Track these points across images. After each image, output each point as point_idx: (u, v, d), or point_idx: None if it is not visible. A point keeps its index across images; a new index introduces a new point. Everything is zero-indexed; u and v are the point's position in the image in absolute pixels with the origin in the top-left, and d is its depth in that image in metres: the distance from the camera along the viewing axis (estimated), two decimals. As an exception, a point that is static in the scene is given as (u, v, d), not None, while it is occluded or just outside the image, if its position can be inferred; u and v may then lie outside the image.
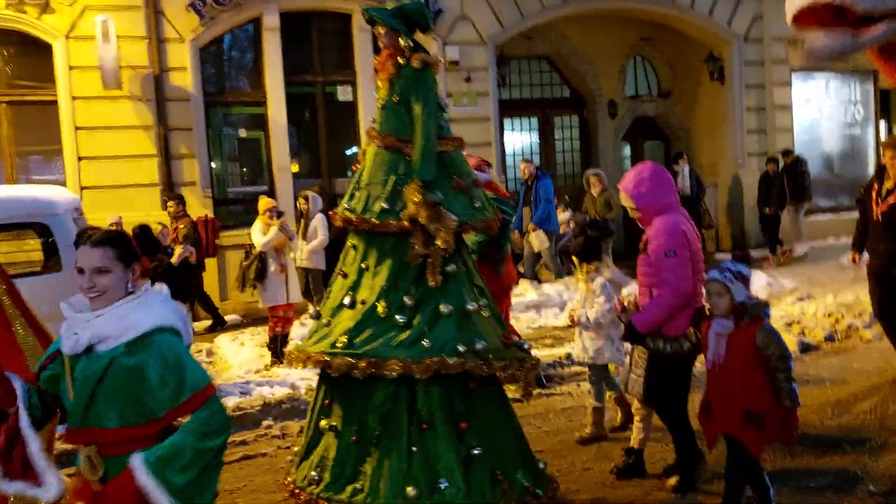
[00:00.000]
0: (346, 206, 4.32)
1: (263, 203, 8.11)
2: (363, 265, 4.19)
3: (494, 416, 4.10)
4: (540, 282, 10.43)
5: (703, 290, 3.97)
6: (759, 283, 9.34)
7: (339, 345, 3.94)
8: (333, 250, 6.73)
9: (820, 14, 2.53)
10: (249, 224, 10.54)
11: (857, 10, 2.41)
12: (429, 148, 4.16)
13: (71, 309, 2.45)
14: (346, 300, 4.14)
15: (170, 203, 9.57)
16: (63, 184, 9.73)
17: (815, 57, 2.46)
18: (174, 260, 7.08)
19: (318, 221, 9.15)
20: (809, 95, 14.35)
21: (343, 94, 11.56)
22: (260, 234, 7.76)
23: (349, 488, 3.87)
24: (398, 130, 4.24)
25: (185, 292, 7.36)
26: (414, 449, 3.85)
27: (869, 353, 6.90)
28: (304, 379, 6.99)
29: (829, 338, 7.47)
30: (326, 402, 4.18)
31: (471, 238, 4.98)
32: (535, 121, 14.18)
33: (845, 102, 14.82)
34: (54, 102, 10.09)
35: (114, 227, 8.19)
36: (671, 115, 14.88)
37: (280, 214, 8.08)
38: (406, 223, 4.06)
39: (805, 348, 7.12)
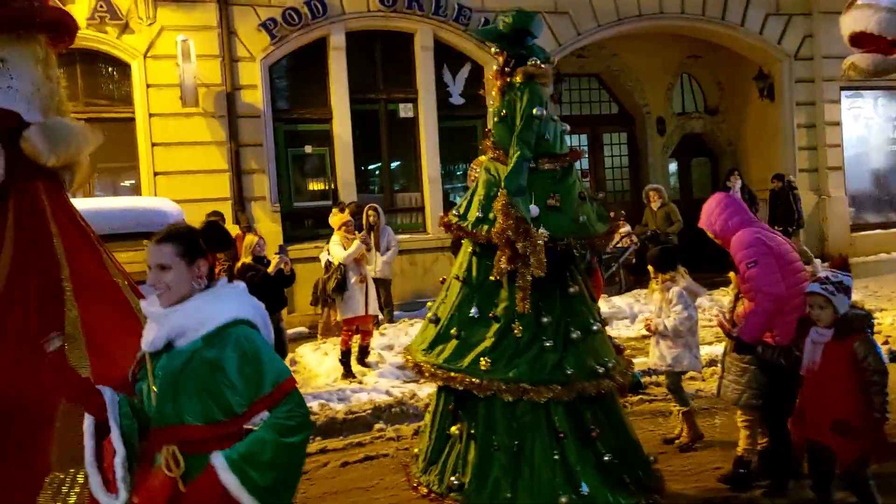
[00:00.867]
0: (453, 212, 4.47)
1: (339, 218, 8.30)
2: (491, 278, 4.22)
3: (615, 421, 4.26)
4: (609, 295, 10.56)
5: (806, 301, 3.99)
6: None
7: (482, 367, 4.04)
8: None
9: (869, 37, 2.79)
10: (314, 238, 10.91)
11: (887, 37, 2.68)
12: (518, 162, 4.18)
13: (150, 306, 2.45)
14: (474, 312, 4.21)
15: (241, 217, 9.82)
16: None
17: (857, 73, 2.68)
18: (270, 269, 7.25)
19: (389, 233, 9.39)
20: (858, 112, 14.46)
21: (404, 111, 11.81)
22: (339, 248, 7.91)
23: (499, 495, 3.95)
24: (506, 144, 4.34)
25: (280, 302, 7.54)
26: (556, 457, 3.97)
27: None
28: (396, 386, 7.18)
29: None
30: (451, 407, 4.26)
31: None
32: (584, 137, 14.37)
33: (893, 119, 14.91)
34: (131, 119, 10.40)
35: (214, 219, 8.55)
36: (718, 132, 15.03)
37: (359, 228, 8.28)
38: (494, 237, 4.09)
39: (894, 357, 7.18)
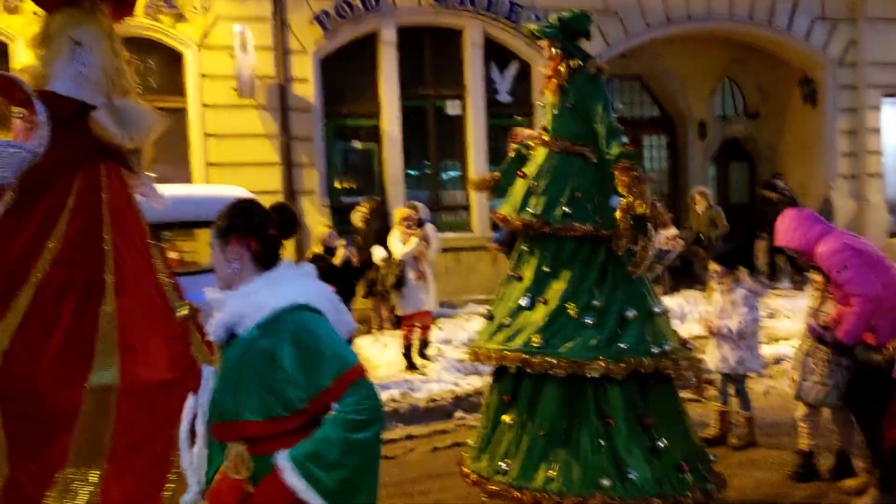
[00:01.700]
0: (525, 209, 4.36)
1: (400, 213, 8.27)
2: (544, 269, 4.28)
3: (672, 411, 4.27)
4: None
5: None
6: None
7: (534, 344, 4.06)
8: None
9: None
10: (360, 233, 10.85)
11: None
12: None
13: (212, 292, 2.33)
14: (524, 302, 4.24)
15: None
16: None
17: None
18: (336, 260, 7.21)
19: (431, 229, 9.32)
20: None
21: (452, 108, 11.78)
22: (399, 243, 7.89)
23: (540, 476, 3.98)
24: (574, 136, 4.34)
25: (347, 294, 7.50)
26: (602, 442, 3.98)
27: None
28: (461, 378, 7.19)
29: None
30: (506, 398, 4.29)
31: None
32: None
33: (932, 127, 14.86)
34: (183, 110, 10.34)
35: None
36: (758, 136, 14.99)
37: (421, 224, 8.21)
38: (590, 228, 4.17)
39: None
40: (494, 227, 8.87)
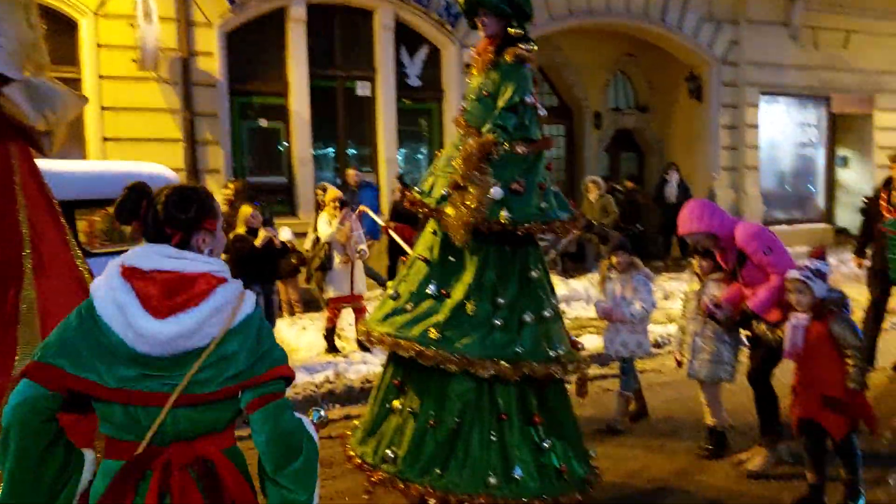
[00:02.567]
0: (417, 189, 4.27)
1: (331, 193, 8.08)
2: (450, 257, 4.14)
3: (561, 410, 4.22)
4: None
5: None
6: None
7: (431, 336, 3.93)
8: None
9: None
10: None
11: None
12: (507, 110, 4.02)
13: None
14: (431, 289, 4.10)
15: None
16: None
17: None
18: (258, 242, 7.02)
19: (357, 213, 9.24)
20: (773, 117, 15.55)
21: (362, 89, 11.66)
22: (326, 225, 7.74)
23: (427, 471, 3.88)
24: (481, 124, 4.08)
25: (273, 274, 7.33)
26: (493, 438, 3.91)
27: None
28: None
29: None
30: (396, 382, 4.16)
31: None
32: (523, 127, 14.65)
33: (802, 125, 16.15)
34: (77, 80, 9.68)
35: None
36: (647, 129, 15.76)
37: (343, 205, 8.04)
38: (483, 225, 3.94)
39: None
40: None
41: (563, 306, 9.59)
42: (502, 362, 3.86)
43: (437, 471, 3.87)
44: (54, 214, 3.35)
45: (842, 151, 17.18)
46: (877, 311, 6.86)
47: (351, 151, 12.02)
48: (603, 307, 5.52)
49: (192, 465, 1.95)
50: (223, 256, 2.63)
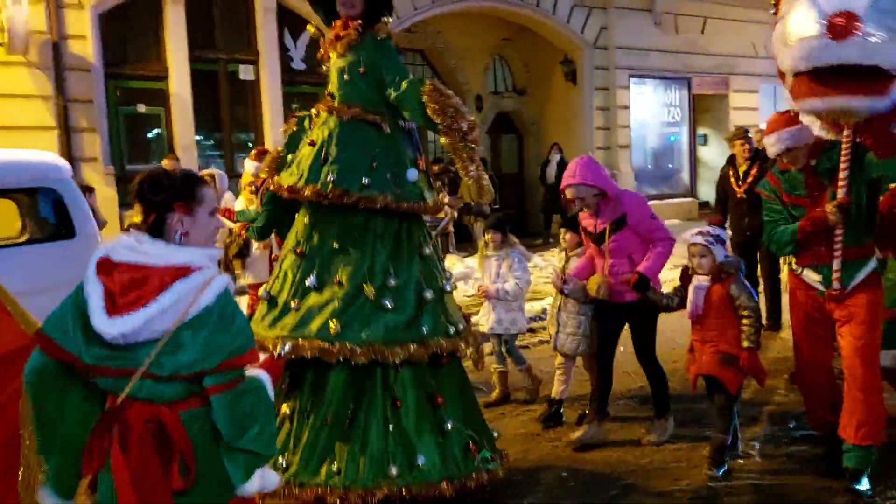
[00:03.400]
0: (317, 179, 3.90)
1: (246, 177, 7.88)
2: (333, 245, 3.94)
3: (461, 389, 4.12)
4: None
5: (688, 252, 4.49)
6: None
7: (332, 330, 3.72)
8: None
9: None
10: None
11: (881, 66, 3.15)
12: (401, 70, 3.98)
13: (214, 255, 2.30)
14: (310, 281, 3.88)
15: None
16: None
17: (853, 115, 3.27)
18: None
19: (230, 199, 9.12)
20: (640, 98, 16.52)
21: (245, 73, 11.48)
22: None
23: (323, 470, 3.71)
24: (366, 102, 3.95)
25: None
26: (390, 427, 3.78)
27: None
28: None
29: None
30: (284, 386, 3.94)
31: None
32: (407, 111, 14.85)
33: (667, 105, 17.25)
34: (-65, 64, 9.06)
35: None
36: (525, 111, 16.34)
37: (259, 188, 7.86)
38: (391, 199, 3.85)
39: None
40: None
41: (461, 284, 10.07)
42: (411, 345, 3.75)
43: (335, 467, 3.70)
44: None
45: (702, 130, 18.49)
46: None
47: (238, 137, 11.82)
48: (479, 284, 5.55)
49: (149, 421, 2.15)
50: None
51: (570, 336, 4.95)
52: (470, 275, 10.36)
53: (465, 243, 13.06)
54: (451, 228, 12.67)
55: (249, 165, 7.27)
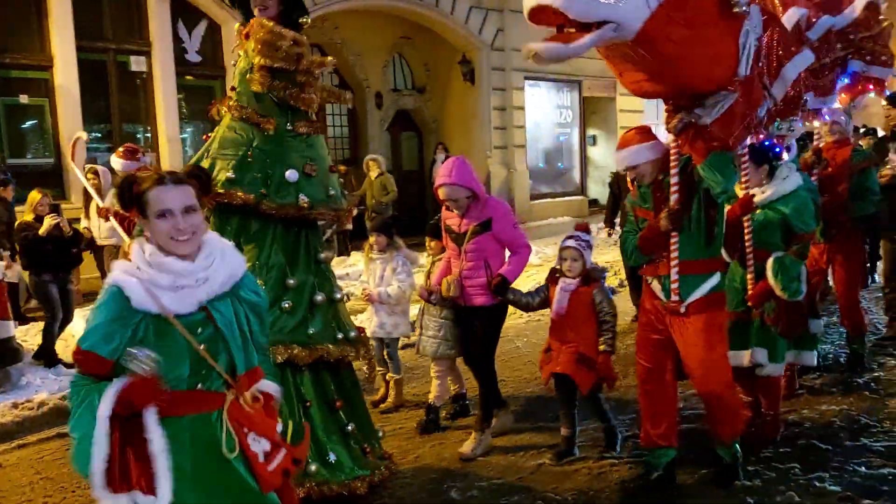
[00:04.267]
0: None
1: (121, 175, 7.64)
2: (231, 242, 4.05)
3: (355, 393, 4.26)
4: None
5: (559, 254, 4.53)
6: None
7: None
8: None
9: (551, 15, 2.80)
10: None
11: (569, 16, 2.76)
12: None
13: (169, 265, 2.23)
14: None
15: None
16: None
17: (537, 61, 2.85)
18: (42, 231, 6.50)
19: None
20: (534, 99, 16.99)
21: (137, 64, 11.01)
22: None
23: None
24: (259, 103, 4.03)
25: (69, 263, 6.81)
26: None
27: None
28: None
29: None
30: None
31: None
32: (305, 106, 14.66)
33: (559, 107, 17.82)
34: None
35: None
36: (425, 109, 16.48)
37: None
38: (253, 198, 3.88)
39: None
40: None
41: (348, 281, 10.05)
42: (295, 346, 3.84)
43: None
44: None
45: (591, 131, 19.23)
46: (636, 275, 7.89)
47: (129, 130, 11.30)
48: (364, 288, 5.54)
49: None
50: None
51: (430, 339, 5.00)
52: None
53: (363, 241, 13.01)
54: (349, 227, 12.61)
55: (117, 163, 7.00)
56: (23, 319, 7.82)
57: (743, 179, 4.21)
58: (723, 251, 4.02)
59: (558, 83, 17.40)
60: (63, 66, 10.08)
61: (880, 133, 9.31)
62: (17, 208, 7.90)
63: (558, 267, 4.51)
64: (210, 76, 11.86)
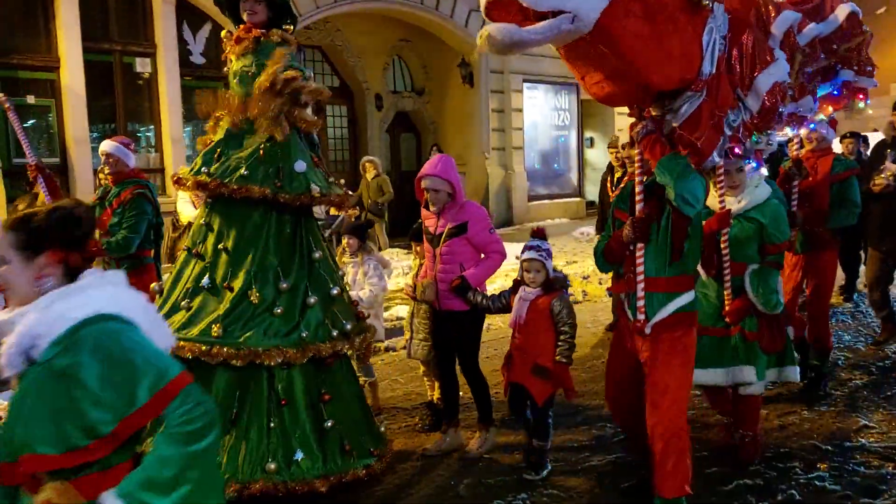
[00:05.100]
0: (201, 170, 4.09)
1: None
2: (222, 246, 4.09)
3: (346, 386, 4.23)
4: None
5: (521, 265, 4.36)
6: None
7: (214, 334, 3.86)
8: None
9: (510, 12, 2.73)
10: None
11: (523, 3, 2.67)
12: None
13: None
14: (205, 282, 4.03)
15: None
16: None
17: (491, 47, 2.72)
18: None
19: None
20: (532, 101, 17.19)
21: (142, 65, 11.19)
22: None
23: None
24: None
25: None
26: (272, 424, 3.89)
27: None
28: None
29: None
30: None
31: None
32: (307, 107, 14.85)
33: (557, 109, 18.02)
34: None
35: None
36: (424, 111, 16.67)
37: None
38: (269, 191, 3.98)
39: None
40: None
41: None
42: (289, 349, 3.87)
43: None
44: None
45: (588, 133, 19.45)
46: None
47: (135, 130, 11.48)
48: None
49: None
50: None
51: (421, 342, 4.94)
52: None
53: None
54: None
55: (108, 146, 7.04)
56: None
57: (718, 194, 4.09)
58: (699, 268, 3.88)
59: (556, 86, 17.61)
60: (70, 67, 10.27)
61: (871, 140, 9.26)
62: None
63: (519, 279, 4.37)
64: (214, 76, 12.02)
